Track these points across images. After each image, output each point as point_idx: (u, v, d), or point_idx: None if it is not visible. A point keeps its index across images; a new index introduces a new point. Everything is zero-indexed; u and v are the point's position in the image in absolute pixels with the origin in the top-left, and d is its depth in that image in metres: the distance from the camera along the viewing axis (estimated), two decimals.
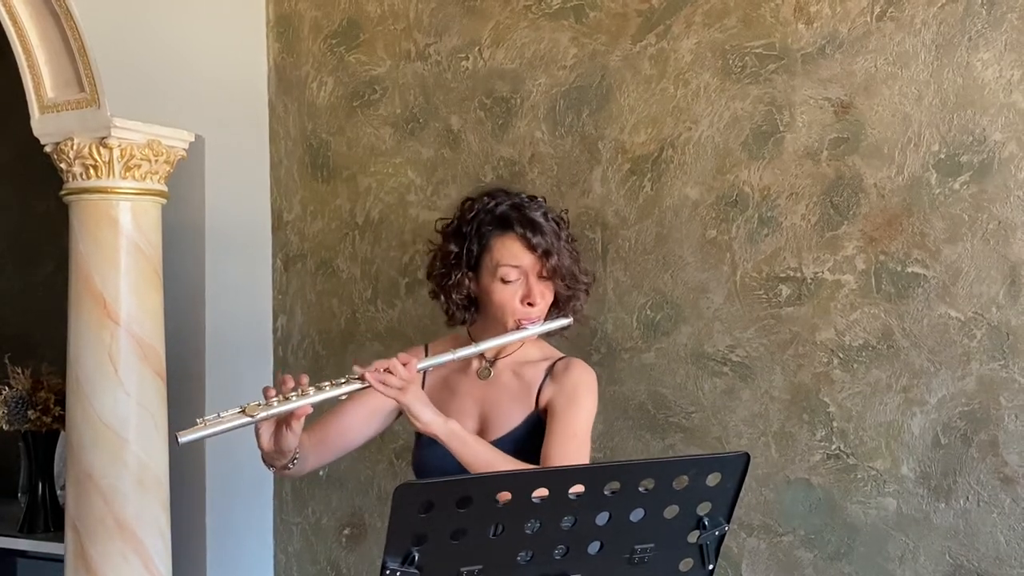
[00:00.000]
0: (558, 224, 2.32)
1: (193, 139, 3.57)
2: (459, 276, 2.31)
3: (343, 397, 2.17)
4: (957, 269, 3.00)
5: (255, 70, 4.01)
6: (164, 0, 3.61)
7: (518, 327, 2.29)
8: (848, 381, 3.13)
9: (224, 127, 3.84)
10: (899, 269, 3.07)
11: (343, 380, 2.16)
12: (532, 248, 2.27)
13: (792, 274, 3.20)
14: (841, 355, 3.13)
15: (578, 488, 1.74)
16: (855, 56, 3.12)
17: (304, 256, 3.98)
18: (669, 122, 3.36)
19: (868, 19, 3.11)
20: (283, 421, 2.13)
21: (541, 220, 2.29)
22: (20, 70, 3.40)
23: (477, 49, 3.66)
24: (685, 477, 1.82)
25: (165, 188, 3.47)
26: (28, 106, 3.42)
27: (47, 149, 3.43)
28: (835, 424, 3.14)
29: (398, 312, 3.77)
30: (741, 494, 1.87)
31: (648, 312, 3.39)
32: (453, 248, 2.33)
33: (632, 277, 3.41)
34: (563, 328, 2.36)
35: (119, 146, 3.34)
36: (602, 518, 1.79)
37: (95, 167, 3.34)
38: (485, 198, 2.33)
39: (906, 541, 3.05)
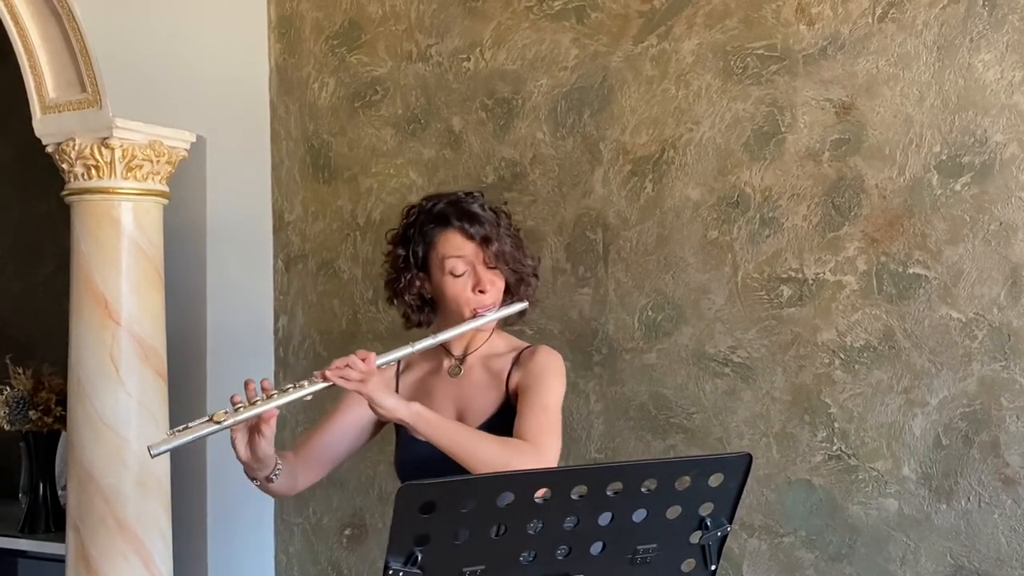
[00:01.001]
0: (496, 214, 2.39)
1: (195, 139, 3.57)
2: (409, 277, 2.38)
3: (308, 398, 2.20)
4: (958, 270, 3.00)
5: (256, 71, 4.01)
6: (166, 1, 3.61)
7: (474, 316, 2.34)
8: (849, 382, 3.13)
9: (225, 128, 3.84)
10: (900, 270, 3.07)
11: (305, 382, 2.20)
12: (471, 237, 2.33)
13: (793, 275, 3.20)
14: (842, 356, 3.13)
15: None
16: (856, 57, 3.12)
17: (305, 257, 3.98)
18: (670, 123, 3.36)
19: (869, 20, 3.11)
20: (255, 428, 2.17)
21: (478, 211, 2.36)
22: (22, 70, 3.41)
23: (478, 50, 3.65)
24: (687, 478, 1.82)
25: (167, 188, 3.48)
26: (30, 106, 3.42)
27: (48, 149, 3.43)
28: (836, 425, 3.14)
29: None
30: (743, 495, 1.88)
31: (649, 313, 3.39)
32: (401, 252, 2.40)
33: (633, 278, 3.41)
34: (520, 312, 2.40)
35: (121, 146, 3.34)
36: (604, 518, 1.79)
37: (96, 167, 3.34)
38: (424, 201, 2.41)
39: (907, 542, 3.05)
